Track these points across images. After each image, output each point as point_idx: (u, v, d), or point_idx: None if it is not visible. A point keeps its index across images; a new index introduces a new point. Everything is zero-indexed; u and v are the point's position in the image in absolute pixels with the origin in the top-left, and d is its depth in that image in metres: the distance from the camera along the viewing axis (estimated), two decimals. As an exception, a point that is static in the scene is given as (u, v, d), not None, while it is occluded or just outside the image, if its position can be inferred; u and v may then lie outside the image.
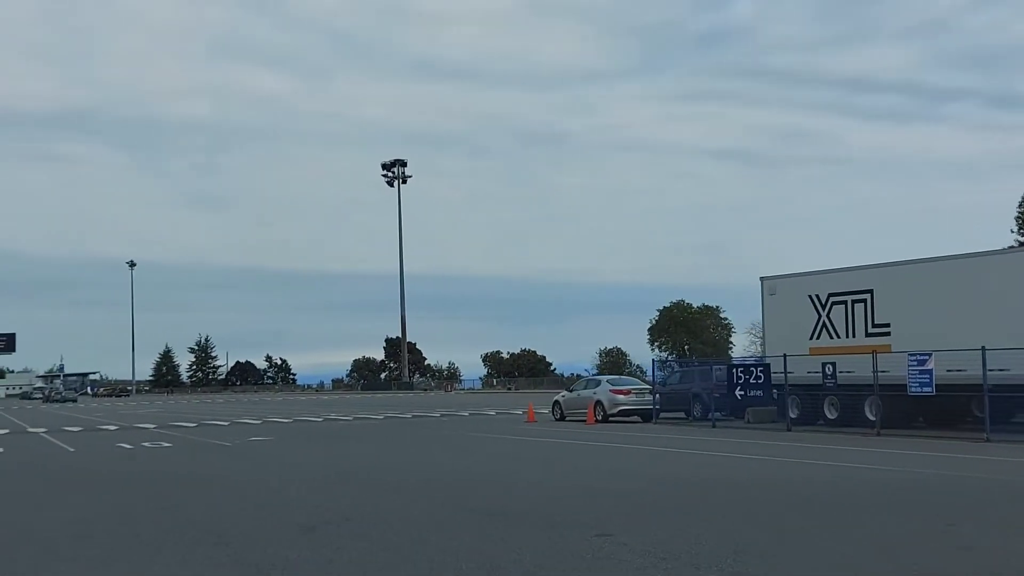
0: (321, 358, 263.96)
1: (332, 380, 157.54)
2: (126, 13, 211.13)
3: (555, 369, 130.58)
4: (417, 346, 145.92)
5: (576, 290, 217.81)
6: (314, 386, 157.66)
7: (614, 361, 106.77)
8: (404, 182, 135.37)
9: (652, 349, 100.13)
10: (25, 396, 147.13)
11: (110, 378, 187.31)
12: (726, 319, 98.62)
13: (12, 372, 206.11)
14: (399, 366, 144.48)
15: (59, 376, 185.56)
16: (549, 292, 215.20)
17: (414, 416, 40.92)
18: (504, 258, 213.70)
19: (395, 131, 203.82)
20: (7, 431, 36.63)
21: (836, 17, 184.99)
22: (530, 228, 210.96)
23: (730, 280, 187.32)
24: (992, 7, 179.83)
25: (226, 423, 38.10)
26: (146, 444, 26.59)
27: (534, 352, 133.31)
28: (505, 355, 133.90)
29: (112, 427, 37.28)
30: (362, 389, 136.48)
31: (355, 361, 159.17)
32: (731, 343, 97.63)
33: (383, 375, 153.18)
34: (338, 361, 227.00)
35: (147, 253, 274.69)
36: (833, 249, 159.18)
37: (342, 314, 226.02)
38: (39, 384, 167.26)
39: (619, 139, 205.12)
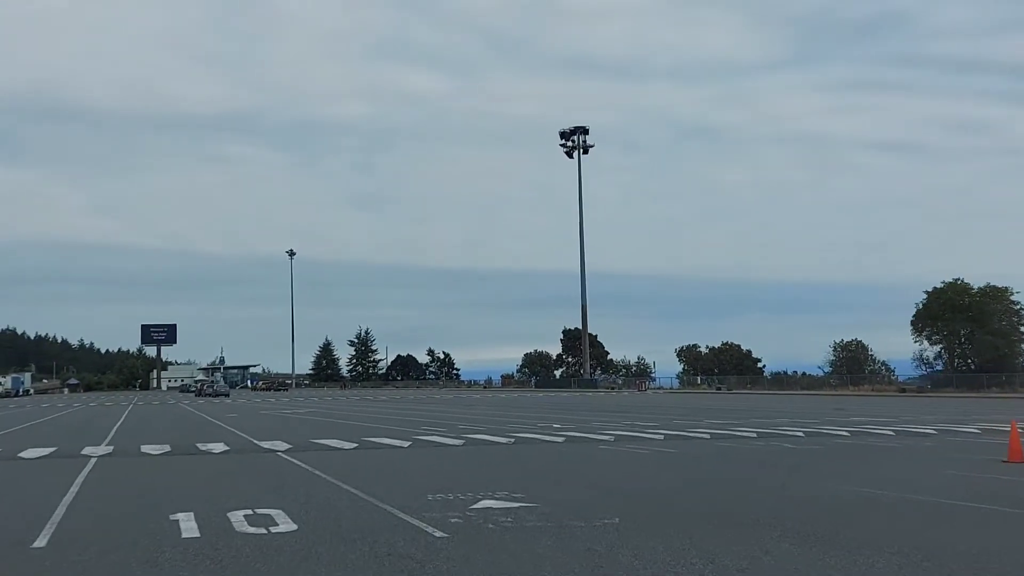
0: (483, 354, 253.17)
1: (501, 376, 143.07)
2: (289, 18, 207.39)
3: (764, 366, 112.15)
4: (598, 338, 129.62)
5: (747, 287, 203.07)
6: (480, 382, 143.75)
7: (853, 357, 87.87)
8: (585, 152, 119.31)
9: (918, 341, 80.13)
10: (184, 389, 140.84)
11: (271, 371, 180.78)
12: (1018, 304, 77.35)
13: (176, 364, 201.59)
14: (578, 361, 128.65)
15: (219, 369, 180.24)
16: (716, 289, 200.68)
17: (761, 436, 24.20)
18: (664, 254, 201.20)
19: (548, 127, 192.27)
20: (46, 452, 22.02)
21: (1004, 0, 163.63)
22: (689, 223, 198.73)
23: (905, 277, 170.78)
24: None
25: (405, 443, 22.49)
26: (235, 516, 10.98)
27: (738, 346, 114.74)
28: (704, 350, 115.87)
29: (220, 448, 22.13)
30: (536, 386, 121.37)
31: (526, 355, 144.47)
32: (1022, 333, 76.77)
33: (558, 371, 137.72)
34: (501, 357, 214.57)
35: (308, 250, 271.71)
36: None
37: (504, 310, 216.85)
38: (200, 376, 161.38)
39: (778, 132, 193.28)
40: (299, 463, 17.86)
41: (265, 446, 22.21)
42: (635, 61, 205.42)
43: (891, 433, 24.77)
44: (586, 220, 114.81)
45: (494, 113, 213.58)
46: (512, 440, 23.25)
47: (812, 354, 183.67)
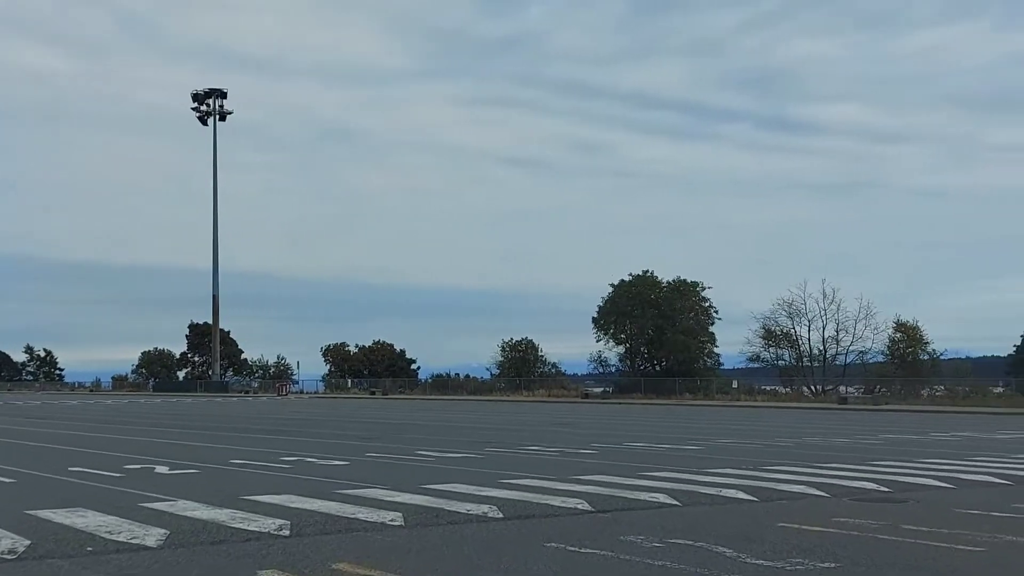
0: (98, 354, 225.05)
1: (112, 377, 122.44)
2: None
3: (419, 368, 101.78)
4: (231, 335, 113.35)
5: (393, 290, 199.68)
6: (87, 384, 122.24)
7: (523, 358, 79.14)
8: (223, 119, 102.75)
9: (602, 340, 72.05)
10: None
11: None
12: (707, 301, 71.26)
13: None
14: (206, 360, 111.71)
15: None
16: (361, 292, 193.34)
17: (822, 484, 11.72)
18: (306, 255, 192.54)
19: (184, 117, 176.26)
20: None
21: (619, 31, 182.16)
22: (331, 225, 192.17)
23: (539, 289, 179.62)
24: (761, 30, 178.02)
25: None
26: None
27: (391, 346, 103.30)
28: (353, 349, 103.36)
29: None
30: (154, 389, 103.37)
31: (144, 354, 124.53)
32: (711, 333, 70.93)
33: (182, 372, 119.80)
34: (118, 358, 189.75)
35: None
36: (632, 262, 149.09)
37: (125, 308, 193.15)
38: None
39: (417, 140, 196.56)
40: None
41: None
42: (276, 57, 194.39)
43: (999, 481, 13.62)
44: (224, 217, 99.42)
45: (124, 98, 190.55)
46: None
47: (467, 357, 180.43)
